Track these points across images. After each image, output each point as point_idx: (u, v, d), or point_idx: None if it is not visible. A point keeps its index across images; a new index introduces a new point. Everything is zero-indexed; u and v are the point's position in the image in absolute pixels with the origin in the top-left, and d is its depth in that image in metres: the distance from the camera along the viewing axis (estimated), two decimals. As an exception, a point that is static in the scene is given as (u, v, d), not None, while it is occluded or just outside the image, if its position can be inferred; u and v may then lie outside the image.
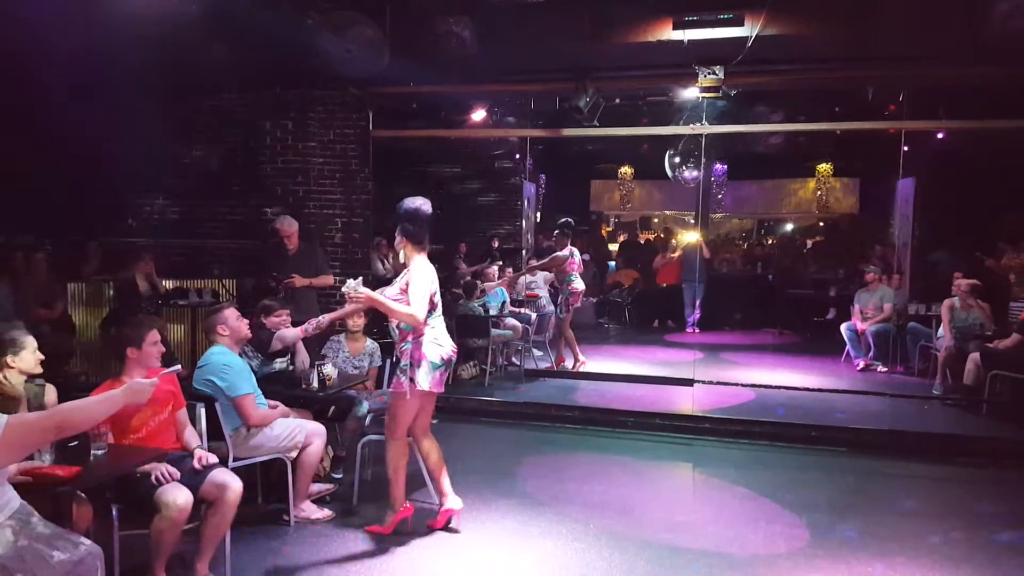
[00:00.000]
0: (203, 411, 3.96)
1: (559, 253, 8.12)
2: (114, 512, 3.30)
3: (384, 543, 4.10)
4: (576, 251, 8.32)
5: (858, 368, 8.77)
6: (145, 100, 6.65)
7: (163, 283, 7.07)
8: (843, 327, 9.14)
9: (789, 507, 4.76)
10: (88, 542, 2.70)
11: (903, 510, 4.84)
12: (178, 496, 3.29)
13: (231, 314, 4.39)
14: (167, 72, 6.54)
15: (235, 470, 3.82)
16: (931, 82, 7.15)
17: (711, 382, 7.65)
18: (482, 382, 7.84)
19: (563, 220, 8.34)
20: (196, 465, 3.56)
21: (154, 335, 3.67)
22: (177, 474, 3.40)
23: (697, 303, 11.40)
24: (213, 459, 3.66)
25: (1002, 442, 6.16)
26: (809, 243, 15.56)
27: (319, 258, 6.77)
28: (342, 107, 7.53)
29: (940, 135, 9.69)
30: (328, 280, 6.76)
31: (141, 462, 3.36)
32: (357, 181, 7.59)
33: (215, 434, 4.03)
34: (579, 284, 8.15)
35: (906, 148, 9.49)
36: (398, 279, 4.13)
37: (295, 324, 6.26)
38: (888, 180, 10.94)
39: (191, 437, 3.80)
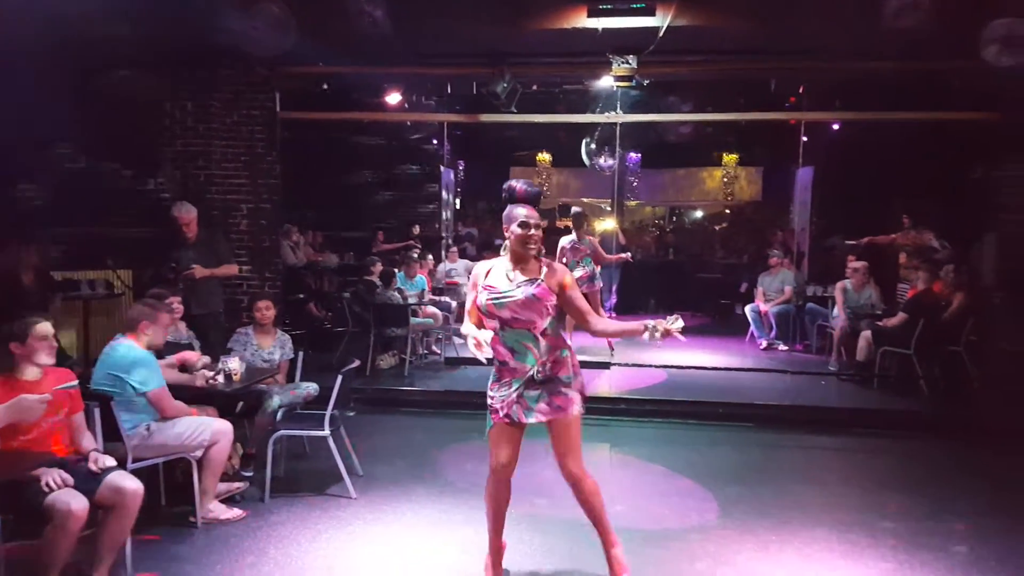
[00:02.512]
0: (98, 412, 3.72)
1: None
2: (-1, 522, 3.07)
3: (299, 540, 3.98)
4: (577, 238, 8.34)
5: (761, 347, 9.15)
6: (32, 78, 6.17)
7: (53, 274, 6.61)
8: (747, 309, 9.53)
9: (700, 482, 4.92)
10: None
11: (805, 479, 5.09)
12: (71, 502, 3.07)
13: (166, 320, 4.24)
14: (56, 48, 6.07)
15: (135, 472, 3.62)
16: (829, 75, 7.48)
17: (627, 364, 7.81)
18: (401, 372, 7.73)
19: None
20: (92, 468, 3.35)
21: (41, 329, 3.42)
22: (70, 479, 3.16)
23: (614, 288, 11.60)
24: (110, 461, 3.43)
25: (891, 413, 6.61)
26: (717, 229, 16.10)
27: (222, 247, 6.47)
28: (247, 87, 7.20)
29: (836, 126, 10.16)
30: (232, 270, 6.49)
31: (30, 467, 3.12)
32: (264, 165, 7.28)
33: (111, 435, 3.79)
34: (578, 271, 8.10)
35: (805, 138, 9.93)
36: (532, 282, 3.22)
37: (197, 316, 6.05)
38: (789, 169, 11.41)
39: (86, 440, 3.57)
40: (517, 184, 3.31)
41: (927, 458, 5.62)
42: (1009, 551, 3.92)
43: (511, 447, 3.27)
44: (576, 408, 3.25)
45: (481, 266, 3.38)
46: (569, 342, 3.35)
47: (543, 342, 3.21)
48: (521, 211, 3.22)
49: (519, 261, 3.26)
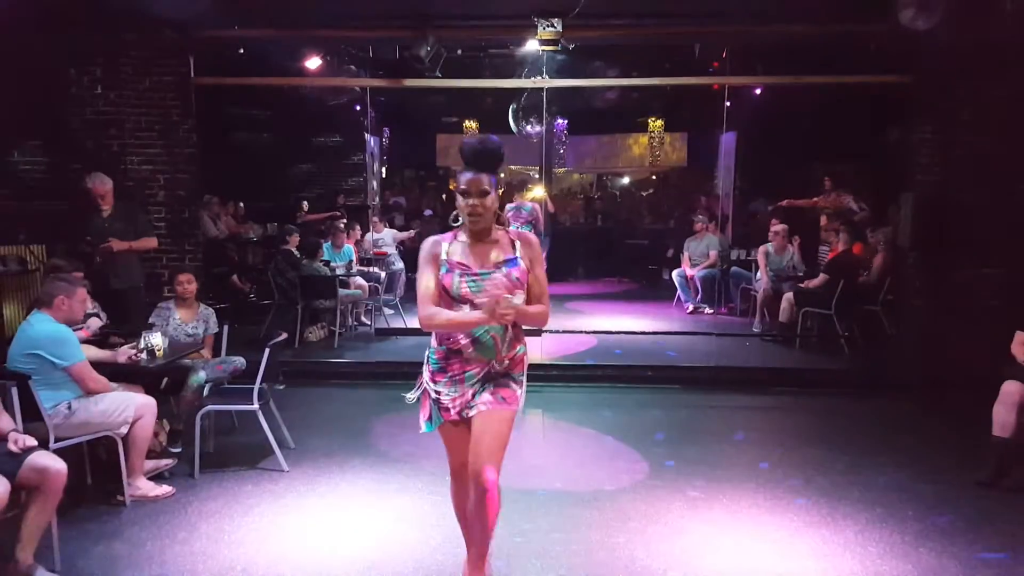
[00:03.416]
0: (15, 391, 3.57)
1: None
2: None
3: (231, 514, 3.94)
4: (526, 204, 9.24)
5: (687, 311, 9.41)
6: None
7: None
8: (674, 273, 9.77)
9: (630, 443, 5.07)
10: None
11: (730, 438, 5.30)
12: (-10, 485, 2.96)
13: (82, 295, 4.09)
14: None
15: (58, 452, 3.50)
16: (749, 38, 7.62)
17: (557, 331, 7.92)
18: (331, 344, 7.64)
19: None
20: (12, 448, 3.22)
21: None
22: (-12, 461, 3.05)
23: (543, 256, 11.69)
24: (31, 441, 3.31)
25: (813, 372, 6.90)
26: (644, 195, 16.35)
27: (139, 219, 6.24)
28: (158, 52, 6.85)
29: (758, 91, 10.40)
30: (151, 243, 6.26)
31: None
32: (180, 134, 6.98)
33: (30, 415, 3.65)
34: None
35: (728, 103, 10.13)
36: (496, 264, 2.83)
37: (117, 290, 5.85)
38: (713, 134, 11.65)
39: (4, 421, 3.43)
40: (465, 142, 2.81)
41: (847, 414, 5.88)
42: (926, 502, 4.13)
43: (464, 445, 2.87)
44: (519, 405, 2.88)
45: (433, 242, 2.85)
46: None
47: (509, 333, 2.83)
48: (464, 176, 2.75)
49: (479, 236, 2.82)
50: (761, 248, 8.51)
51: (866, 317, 7.46)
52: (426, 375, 2.93)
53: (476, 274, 2.77)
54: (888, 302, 7.35)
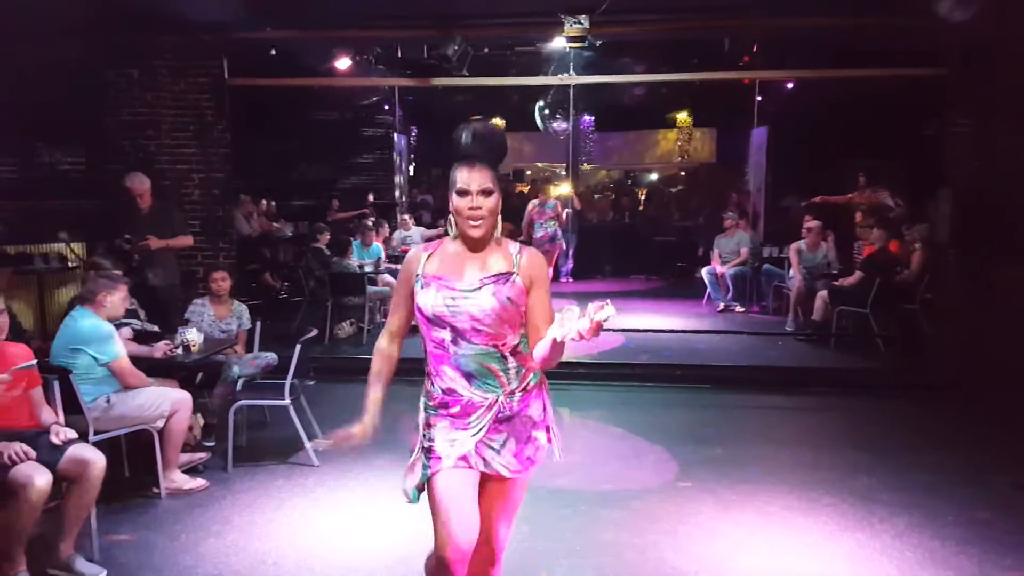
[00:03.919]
0: (57, 385, 3.66)
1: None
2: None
3: (263, 508, 4.00)
4: (549, 201, 9.98)
5: (718, 309, 9.31)
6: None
7: (6, 249, 6.43)
8: (704, 271, 9.67)
9: (658, 443, 5.03)
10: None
11: (761, 439, 5.23)
12: (35, 476, 3.04)
13: (123, 292, 4.20)
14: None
15: (97, 444, 3.58)
16: (781, 31, 7.52)
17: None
18: (360, 340, 7.71)
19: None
20: (54, 441, 3.30)
21: None
22: (33, 453, 3.13)
23: (570, 253, 11.67)
24: (72, 434, 3.39)
25: (848, 372, 6.78)
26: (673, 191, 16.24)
27: (175, 217, 6.37)
28: (193, 54, 6.99)
29: (790, 85, 10.27)
30: (187, 241, 6.39)
31: (-11, 443, 3.08)
32: (214, 134, 7.11)
33: (71, 408, 3.75)
34: (539, 232, 9.94)
35: (759, 98, 10.00)
36: (487, 278, 2.26)
37: (154, 287, 5.96)
38: (743, 129, 11.52)
39: (46, 414, 3.52)
40: (462, 131, 2.26)
41: (884, 415, 5.76)
42: (967, 507, 4.01)
43: (470, 506, 2.24)
44: (544, 456, 2.38)
45: (418, 253, 2.34)
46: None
47: (512, 363, 2.27)
48: (461, 174, 2.20)
49: (475, 245, 2.26)
50: (793, 245, 8.36)
51: (903, 316, 7.31)
52: (420, 423, 2.38)
53: (457, 290, 2.21)
54: (926, 300, 7.20)
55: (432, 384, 2.34)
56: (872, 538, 3.68)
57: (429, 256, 2.31)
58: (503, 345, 2.25)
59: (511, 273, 2.25)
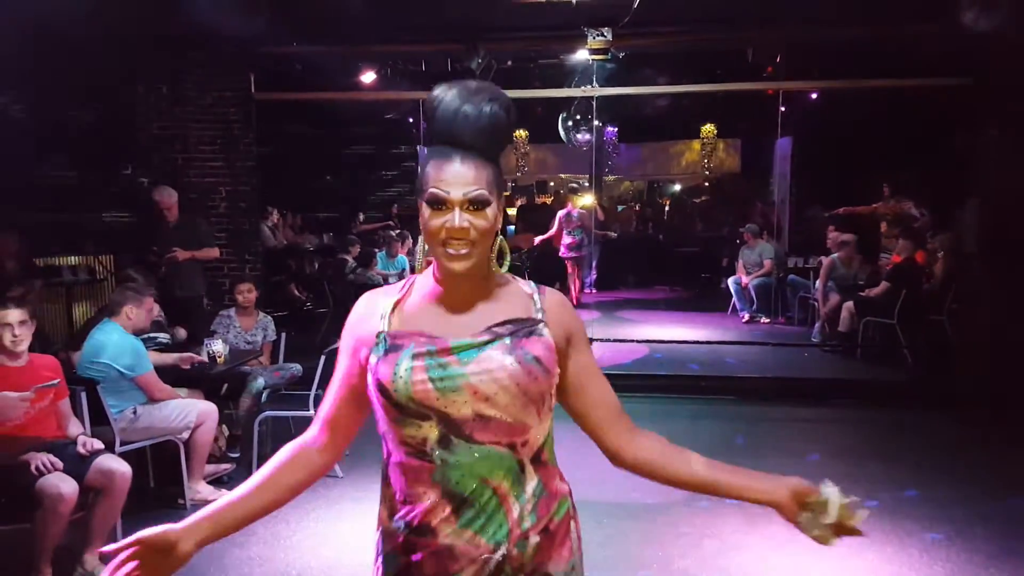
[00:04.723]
0: (84, 396, 3.73)
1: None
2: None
3: (287, 519, 4.02)
4: (575, 211, 10.27)
5: (743, 320, 9.24)
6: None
7: (35, 261, 6.57)
8: (729, 281, 9.62)
9: (684, 455, 4.97)
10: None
11: (789, 451, 5.17)
12: (61, 486, 3.10)
13: (149, 304, 4.26)
14: (26, 34, 5.95)
15: (123, 455, 3.63)
16: (805, 42, 7.46)
17: (608, 340, 7.87)
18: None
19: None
20: (81, 451, 3.35)
21: (10, 315, 3.38)
22: (59, 463, 3.19)
23: (593, 264, 11.66)
24: (98, 445, 3.45)
25: (875, 384, 6.70)
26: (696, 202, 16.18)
27: (202, 230, 6.46)
28: (220, 68, 7.11)
29: (814, 95, 10.19)
30: (213, 253, 6.47)
31: (19, 452, 3.13)
32: (240, 147, 7.21)
33: (98, 419, 3.80)
34: (567, 239, 10.23)
35: (783, 108, 9.93)
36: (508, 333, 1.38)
37: (180, 299, 6.05)
38: (767, 140, 11.45)
39: (73, 425, 3.58)
40: (441, 95, 1.37)
41: (912, 427, 5.68)
42: (996, 522, 3.95)
43: None
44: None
45: (373, 300, 1.46)
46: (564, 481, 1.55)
47: (533, 481, 1.40)
48: (437, 169, 1.32)
49: (461, 287, 1.38)
50: (826, 261, 8.24)
51: (931, 327, 7.20)
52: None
53: (450, 349, 1.32)
54: (953, 311, 7.09)
55: (390, 515, 1.42)
56: (900, 552, 3.63)
57: (396, 305, 1.42)
58: (523, 445, 1.37)
59: (535, 321, 1.39)
